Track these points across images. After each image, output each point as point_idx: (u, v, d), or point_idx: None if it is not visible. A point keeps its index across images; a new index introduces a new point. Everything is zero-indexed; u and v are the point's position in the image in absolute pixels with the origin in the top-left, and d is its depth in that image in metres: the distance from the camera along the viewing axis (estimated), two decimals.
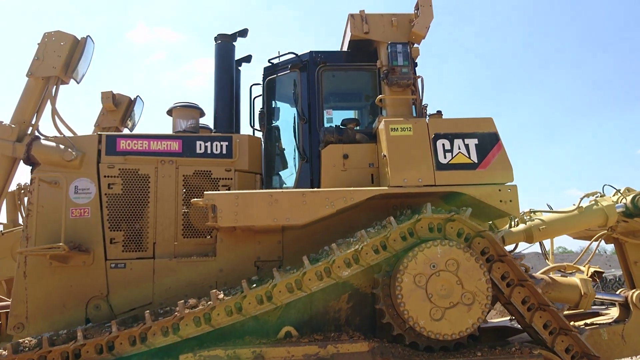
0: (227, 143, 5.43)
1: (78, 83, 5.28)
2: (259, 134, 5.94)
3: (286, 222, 4.46)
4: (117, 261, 5.00)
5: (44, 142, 5.05)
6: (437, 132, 4.72)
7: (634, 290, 5.29)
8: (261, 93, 6.01)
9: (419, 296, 4.23)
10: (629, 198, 5.34)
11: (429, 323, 4.20)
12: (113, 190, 5.15)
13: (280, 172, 5.85)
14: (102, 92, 6.62)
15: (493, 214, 4.81)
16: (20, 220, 9.78)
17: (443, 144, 4.69)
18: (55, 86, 5.17)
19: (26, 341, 4.14)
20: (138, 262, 5.00)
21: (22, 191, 9.83)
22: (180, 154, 5.33)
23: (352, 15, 5.38)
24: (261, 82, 5.98)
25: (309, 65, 5.55)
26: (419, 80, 5.19)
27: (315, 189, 4.63)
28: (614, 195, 5.45)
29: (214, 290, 4.21)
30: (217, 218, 4.40)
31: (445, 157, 4.66)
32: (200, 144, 5.39)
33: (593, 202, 5.35)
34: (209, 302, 4.18)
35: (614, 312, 5.57)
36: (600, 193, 5.46)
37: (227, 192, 4.72)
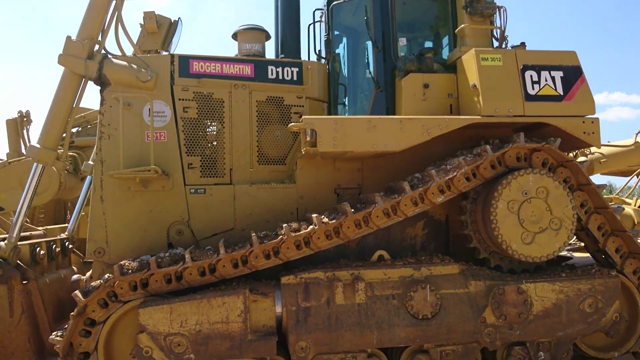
0: (297, 69, 5.29)
1: None
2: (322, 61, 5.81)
3: (384, 149, 4.47)
4: (196, 186, 4.90)
5: (116, 61, 4.75)
6: (525, 63, 4.77)
7: None
8: (323, 19, 5.83)
9: (512, 221, 4.41)
10: None
11: (521, 246, 4.41)
12: (188, 114, 4.97)
13: (345, 100, 5.78)
14: (144, 12, 6.23)
15: (573, 146, 5.00)
16: (24, 150, 9.30)
17: (531, 75, 4.75)
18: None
19: (127, 263, 4.07)
20: (217, 188, 4.93)
21: (25, 119, 9.30)
22: (253, 79, 5.16)
23: None
24: (324, 7, 5.78)
25: None
26: (502, 10, 5.16)
27: (412, 117, 4.63)
28: None
29: (315, 215, 4.23)
30: (317, 143, 4.35)
31: (533, 89, 4.74)
32: (271, 69, 5.22)
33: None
34: (310, 226, 4.21)
35: None
36: None
37: (325, 117, 4.66)
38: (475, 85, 4.72)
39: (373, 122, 4.48)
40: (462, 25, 5.12)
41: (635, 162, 5.65)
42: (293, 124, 4.52)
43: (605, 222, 4.77)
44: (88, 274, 4.85)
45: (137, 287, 4.08)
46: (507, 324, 4.35)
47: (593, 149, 5.63)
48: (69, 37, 4.61)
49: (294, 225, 4.24)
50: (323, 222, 4.17)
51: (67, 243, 5.97)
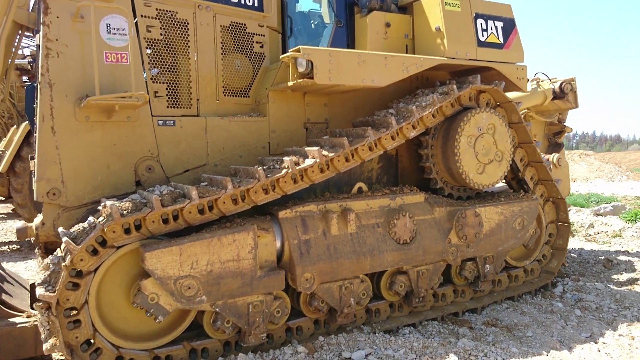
0: None
1: None
2: None
3: (371, 84, 4.57)
4: (164, 118, 4.38)
5: None
6: (477, 11, 5.26)
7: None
8: None
9: (470, 154, 4.99)
10: (557, 84, 6.90)
11: (476, 176, 5.04)
12: (152, 34, 4.34)
13: (298, 34, 5.62)
14: None
15: (506, 89, 5.73)
16: None
17: (481, 23, 5.27)
18: None
19: (119, 204, 3.55)
20: (187, 120, 4.48)
21: None
22: (216, 0, 4.69)
23: None
24: None
25: None
26: None
27: (394, 54, 4.77)
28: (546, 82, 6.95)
29: (315, 149, 4.18)
30: (314, 75, 4.24)
31: (482, 36, 5.28)
32: None
33: (536, 85, 6.75)
34: (308, 159, 4.18)
35: None
36: (539, 79, 6.89)
37: (320, 48, 4.49)
38: (439, 28, 5.06)
39: (362, 56, 4.52)
40: None
41: (531, 104, 6.77)
42: (288, 53, 4.30)
43: (525, 155, 5.69)
44: (37, 220, 4.03)
45: (129, 230, 3.61)
46: (466, 243, 5.00)
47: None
48: None
49: (294, 158, 4.15)
50: (324, 155, 4.17)
51: None
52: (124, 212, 3.50)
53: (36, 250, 5.02)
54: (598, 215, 10.24)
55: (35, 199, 3.93)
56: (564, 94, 6.90)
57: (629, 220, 9.25)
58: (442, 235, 4.88)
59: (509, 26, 5.49)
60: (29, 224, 4.01)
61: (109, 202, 3.53)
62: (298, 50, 4.25)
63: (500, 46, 5.40)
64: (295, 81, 4.36)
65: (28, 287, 4.27)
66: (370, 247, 4.47)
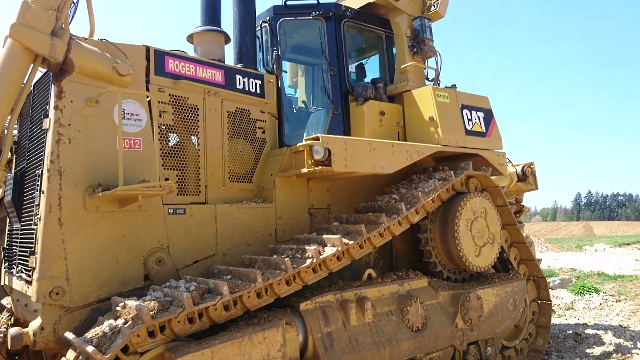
0: (260, 82, 5.03)
1: None
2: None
3: (381, 171, 4.65)
4: (175, 206, 4.15)
5: (85, 45, 3.69)
6: (462, 103, 5.63)
7: None
8: (265, 31, 5.64)
9: (468, 237, 5.14)
10: (519, 168, 7.42)
11: (474, 259, 5.17)
12: (164, 119, 4.20)
13: (293, 119, 5.68)
14: None
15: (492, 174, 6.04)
16: None
17: (466, 114, 5.64)
18: None
19: (147, 303, 3.22)
20: (197, 208, 4.27)
21: None
22: (224, 86, 4.69)
23: None
24: (270, 21, 5.60)
25: (334, 17, 5.58)
26: (438, 54, 5.94)
27: (399, 142, 4.92)
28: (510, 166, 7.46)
29: (337, 236, 4.12)
30: (332, 162, 4.26)
31: (469, 125, 5.62)
32: (239, 79, 4.84)
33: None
34: (328, 248, 4.09)
35: None
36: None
37: (336, 136, 4.51)
38: (432, 118, 5.34)
39: (373, 144, 4.63)
40: (410, 63, 5.71)
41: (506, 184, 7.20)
42: (308, 139, 4.30)
43: (509, 236, 5.95)
44: (34, 324, 3.51)
45: (154, 333, 3.27)
46: (470, 327, 5.02)
47: None
48: (26, 3, 3.39)
49: (317, 247, 4.05)
50: (344, 243, 4.12)
51: None
52: (153, 312, 3.18)
53: None
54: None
55: (34, 300, 3.48)
56: (526, 176, 7.42)
57: (578, 292, 9.80)
58: (449, 320, 4.87)
59: (489, 116, 5.91)
60: (24, 330, 3.50)
61: (131, 302, 3.21)
62: (316, 138, 4.28)
63: (483, 134, 5.77)
64: (310, 168, 4.35)
65: None
66: (387, 336, 4.35)
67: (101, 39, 3.87)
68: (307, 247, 3.99)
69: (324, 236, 4.21)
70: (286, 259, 3.79)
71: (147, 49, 4.15)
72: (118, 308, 3.28)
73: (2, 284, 4.73)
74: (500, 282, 5.50)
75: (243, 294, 3.54)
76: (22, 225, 4.12)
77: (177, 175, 4.25)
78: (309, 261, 3.90)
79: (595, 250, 24.29)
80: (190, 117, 4.39)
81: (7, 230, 4.72)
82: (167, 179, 4.15)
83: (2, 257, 4.69)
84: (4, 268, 4.65)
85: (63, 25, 3.58)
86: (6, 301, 5.14)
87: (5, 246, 4.64)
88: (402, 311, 4.55)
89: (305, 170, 4.40)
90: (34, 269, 3.53)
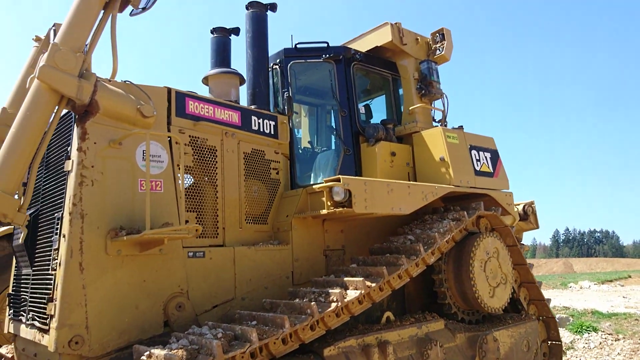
0: (274, 123, 5.05)
1: (145, 9, 3.94)
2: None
3: (398, 212, 4.65)
4: (194, 249, 4.06)
5: (110, 86, 3.67)
6: (471, 143, 5.72)
7: None
8: (275, 73, 5.70)
9: (482, 278, 5.12)
10: (520, 207, 7.50)
11: (489, 300, 5.13)
12: (184, 161, 4.15)
13: (304, 160, 5.67)
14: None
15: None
16: None
17: (474, 154, 5.72)
18: (113, 10, 3.77)
19: (174, 352, 3.09)
20: (216, 251, 4.19)
21: None
22: (240, 127, 4.69)
23: (392, 25, 5.84)
24: (280, 64, 5.67)
25: (344, 60, 5.68)
26: (445, 96, 6.06)
27: (415, 183, 4.94)
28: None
29: (360, 279, 4.06)
30: (352, 204, 4.24)
31: (477, 165, 5.69)
32: (254, 120, 4.85)
33: None
34: (350, 291, 4.03)
35: None
36: None
37: (356, 178, 4.51)
38: (443, 158, 5.39)
39: (390, 185, 4.64)
40: (418, 105, 5.81)
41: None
42: (326, 182, 4.29)
43: (518, 276, 5.95)
44: None
45: None
46: None
47: None
48: (55, 45, 3.37)
49: (340, 290, 3.98)
50: (367, 286, 4.06)
51: None
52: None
53: None
54: None
55: (52, 350, 3.31)
56: (527, 215, 7.49)
57: (576, 332, 9.79)
58: None
59: (495, 156, 6.00)
60: None
61: (158, 351, 3.07)
62: (337, 180, 4.27)
63: (491, 175, 5.84)
64: (330, 210, 4.32)
65: None
66: None
67: (124, 81, 3.85)
68: (330, 291, 3.91)
69: (345, 279, 4.15)
70: (312, 303, 3.71)
71: (169, 90, 4.15)
72: (143, 358, 3.14)
73: (5, 331, 4.51)
74: (514, 323, 5.46)
75: (271, 340, 3.43)
76: (34, 271, 3.97)
77: (196, 217, 4.18)
78: (333, 305, 3.82)
79: (581, 288, 24.44)
80: (209, 158, 4.37)
81: (13, 275, 4.54)
82: (187, 221, 4.07)
83: (7, 303, 4.49)
84: (9, 315, 4.45)
85: (87, 67, 3.56)
86: (6, 350, 4.91)
87: (11, 292, 4.45)
88: (422, 355, 4.46)
89: (324, 211, 4.37)
90: (52, 316, 3.38)
